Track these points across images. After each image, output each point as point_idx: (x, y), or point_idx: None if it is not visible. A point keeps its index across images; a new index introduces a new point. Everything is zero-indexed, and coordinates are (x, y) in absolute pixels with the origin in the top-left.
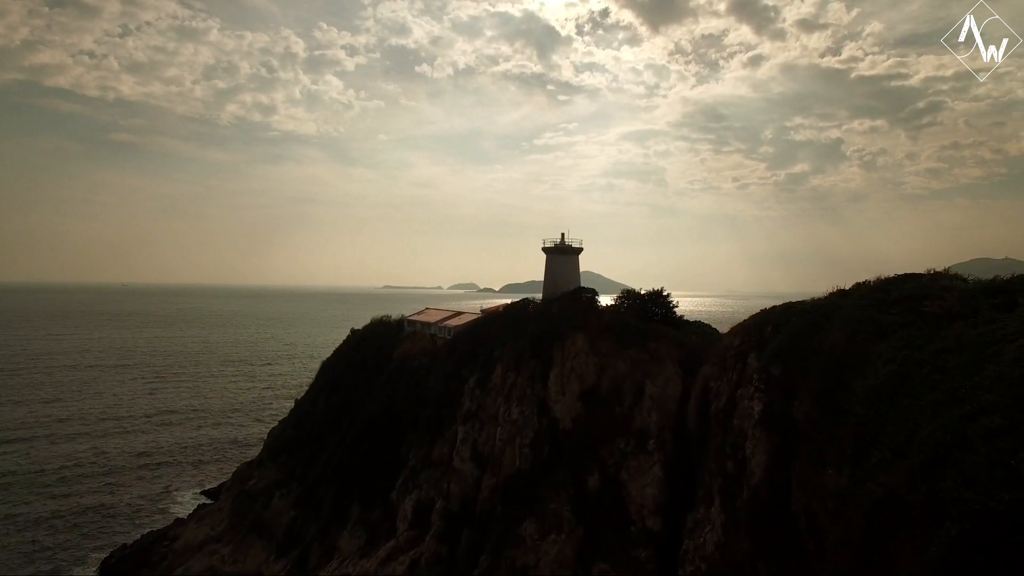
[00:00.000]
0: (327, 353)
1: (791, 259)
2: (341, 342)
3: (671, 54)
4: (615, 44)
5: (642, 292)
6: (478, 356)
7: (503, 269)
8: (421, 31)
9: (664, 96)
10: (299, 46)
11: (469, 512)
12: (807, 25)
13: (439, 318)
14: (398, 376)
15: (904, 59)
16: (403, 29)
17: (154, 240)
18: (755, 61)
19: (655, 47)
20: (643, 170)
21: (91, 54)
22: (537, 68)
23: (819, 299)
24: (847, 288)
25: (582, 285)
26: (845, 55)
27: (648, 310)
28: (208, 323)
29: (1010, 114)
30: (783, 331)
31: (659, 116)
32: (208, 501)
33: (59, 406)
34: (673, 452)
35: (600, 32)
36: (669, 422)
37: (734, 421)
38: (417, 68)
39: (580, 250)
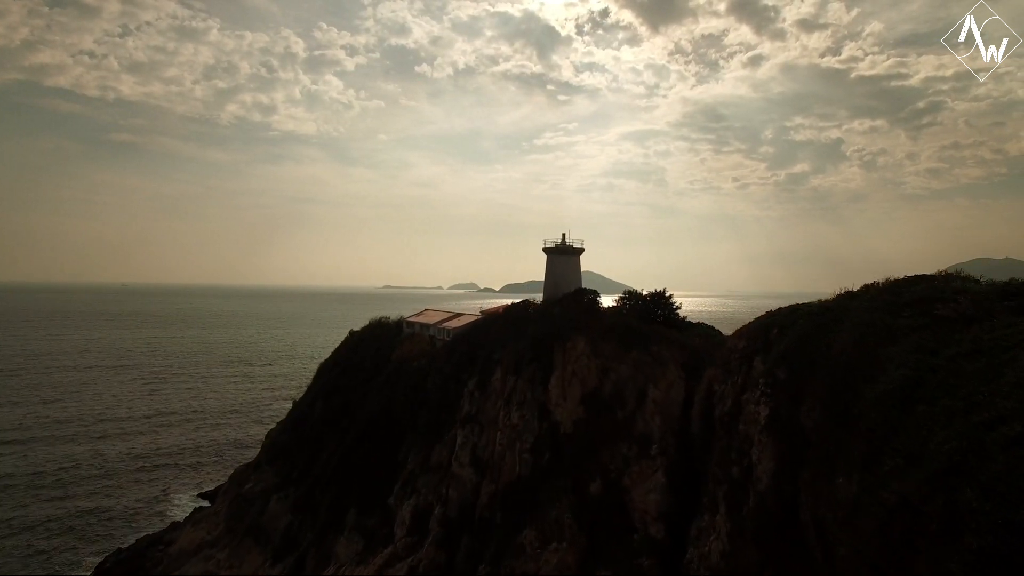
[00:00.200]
0: (327, 354)
1: (791, 259)
2: (340, 343)
3: (671, 54)
4: (615, 44)
5: (644, 293)
6: (477, 358)
7: (503, 269)
8: (421, 31)
9: (664, 96)
10: (299, 46)
11: (468, 519)
12: (807, 25)
13: (438, 319)
14: (396, 378)
15: (904, 59)
16: (403, 29)
17: (154, 240)
18: (755, 61)
19: (655, 47)
20: (643, 170)
21: (91, 54)
22: (537, 68)
23: (826, 301)
24: (855, 290)
25: (583, 286)
26: (845, 55)
27: (650, 312)
28: (208, 323)
29: (1010, 114)
30: (789, 334)
31: (659, 116)
32: (206, 504)
33: (58, 407)
34: (676, 457)
35: (600, 32)
36: (672, 427)
37: (739, 426)
38: (417, 68)
39: (581, 251)
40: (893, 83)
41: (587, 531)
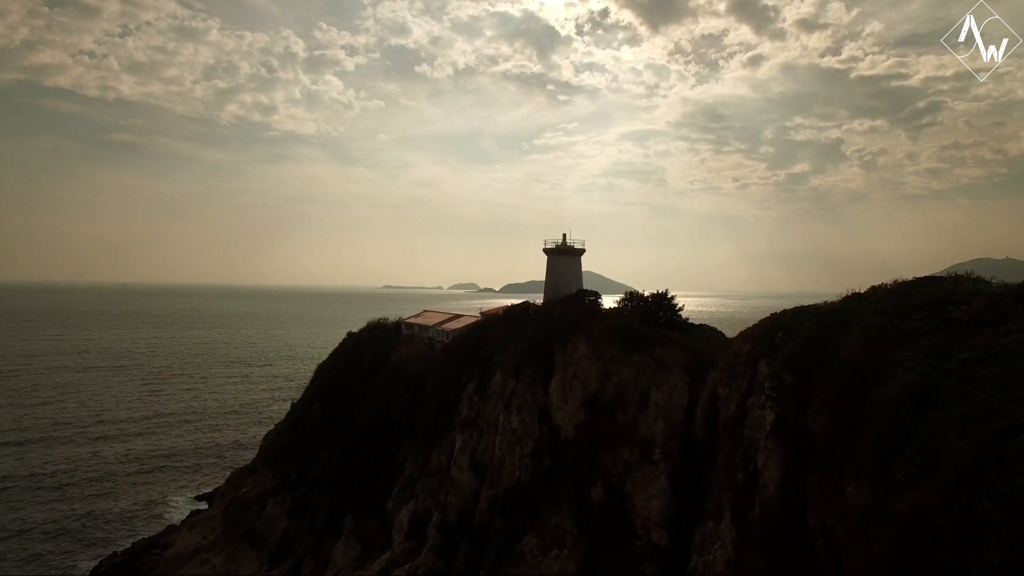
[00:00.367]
0: (327, 354)
1: (791, 259)
2: (338, 345)
3: (671, 54)
4: (615, 44)
5: (646, 294)
6: (477, 361)
7: (503, 269)
8: (421, 31)
9: (664, 96)
10: (299, 46)
11: (467, 525)
12: (807, 25)
13: (437, 321)
14: (395, 381)
15: (904, 59)
16: (403, 29)
17: (154, 240)
18: (755, 61)
19: (655, 47)
20: (643, 170)
21: (91, 54)
22: (537, 68)
23: (833, 303)
24: (862, 291)
25: (584, 287)
26: (845, 55)
27: (652, 313)
28: (208, 323)
29: (1010, 114)
30: (796, 336)
31: (659, 116)
32: (203, 506)
33: (56, 408)
34: (680, 462)
35: (600, 32)
36: (675, 431)
37: (744, 431)
38: (417, 68)
39: (582, 251)
40: (893, 83)
41: (588, 538)
